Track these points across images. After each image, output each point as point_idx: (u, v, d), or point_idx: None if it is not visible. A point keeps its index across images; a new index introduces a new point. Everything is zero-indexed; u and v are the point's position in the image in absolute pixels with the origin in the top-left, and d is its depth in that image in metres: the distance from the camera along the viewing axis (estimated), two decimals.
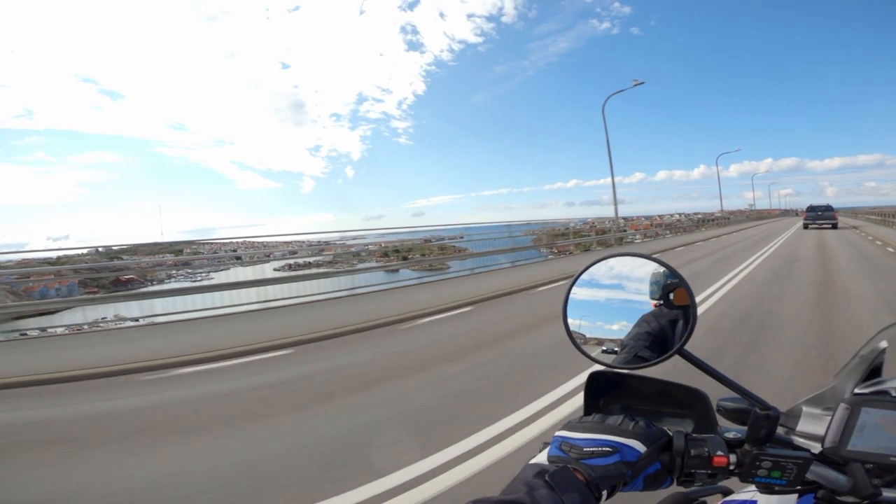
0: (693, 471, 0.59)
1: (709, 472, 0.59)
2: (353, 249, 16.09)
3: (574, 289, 0.66)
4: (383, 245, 17.52)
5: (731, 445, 0.62)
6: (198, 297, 9.14)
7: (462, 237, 16.82)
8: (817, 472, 0.61)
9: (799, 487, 0.63)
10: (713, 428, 0.64)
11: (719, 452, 0.59)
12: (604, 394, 0.69)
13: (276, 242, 20.30)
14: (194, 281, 12.16)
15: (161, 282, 12.89)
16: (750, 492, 0.70)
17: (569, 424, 0.60)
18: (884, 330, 0.91)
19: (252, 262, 17.08)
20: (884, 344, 0.84)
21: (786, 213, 72.55)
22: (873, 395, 0.69)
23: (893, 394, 0.71)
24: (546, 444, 0.59)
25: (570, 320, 0.65)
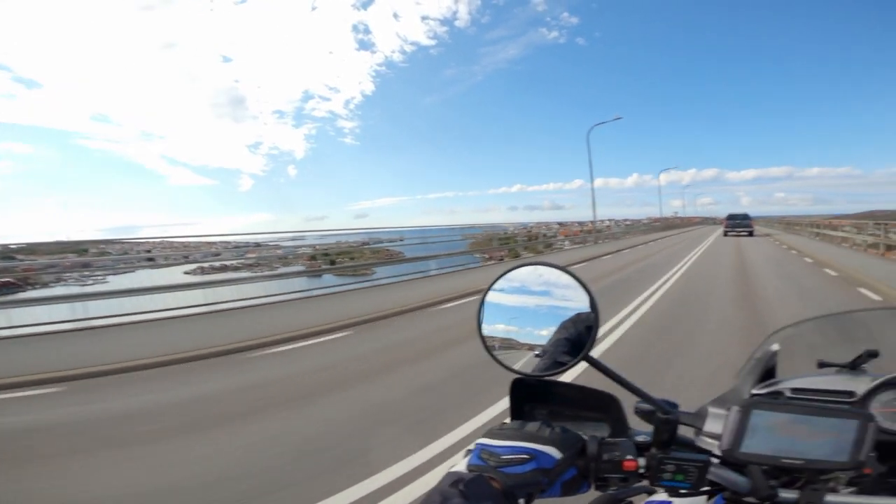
0: (606, 475, 0.60)
1: (621, 475, 0.60)
2: (279, 252, 14.95)
3: (490, 296, 0.65)
4: (317, 248, 16.46)
5: (641, 449, 0.61)
6: (79, 305, 7.79)
7: (402, 240, 16.27)
8: (719, 473, 0.62)
9: (708, 488, 0.64)
10: (625, 432, 0.64)
11: (629, 456, 0.59)
12: (529, 400, 0.68)
13: (198, 243, 18.54)
14: (83, 286, 10.56)
15: (45, 286, 11.13)
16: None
17: (490, 431, 0.59)
18: (775, 333, 0.99)
19: (166, 265, 15.38)
20: (775, 346, 0.94)
21: (705, 220, 77.18)
22: (768, 395, 0.82)
23: (787, 394, 0.82)
24: (469, 452, 0.58)
25: (486, 328, 0.64)
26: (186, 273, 12.72)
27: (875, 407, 0.78)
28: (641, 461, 0.60)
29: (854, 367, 0.90)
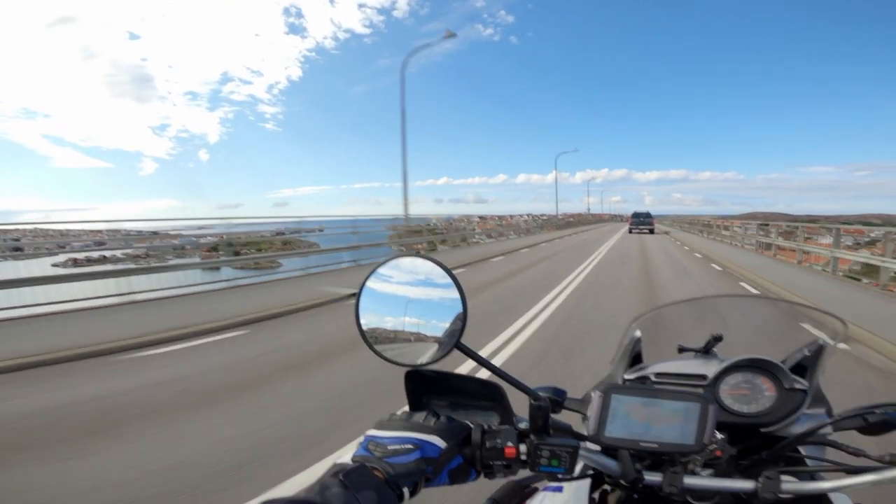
0: (491, 462, 0.61)
1: (504, 462, 0.60)
2: (176, 241, 13.43)
3: (367, 290, 0.63)
4: (224, 237, 15.04)
5: (523, 436, 0.62)
6: None
7: (322, 230, 15.44)
8: (593, 458, 0.64)
9: (591, 473, 0.70)
10: (510, 419, 0.64)
11: (509, 443, 0.60)
12: (426, 391, 0.68)
13: (79, 231, 16.17)
14: None
15: None
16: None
17: (378, 423, 0.59)
18: (635, 320, 1.03)
19: (36, 255, 13.22)
20: (638, 333, 0.99)
21: (614, 217, 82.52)
22: (637, 380, 0.87)
23: (652, 378, 0.86)
24: (359, 444, 0.58)
25: (364, 320, 0.62)
26: (55, 265, 10.96)
27: (723, 389, 0.81)
28: (523, 448, 0.61)
29: (707, 351, 0.93)
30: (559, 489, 0.76)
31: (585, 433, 0.64)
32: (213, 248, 13.44)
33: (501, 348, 4.87)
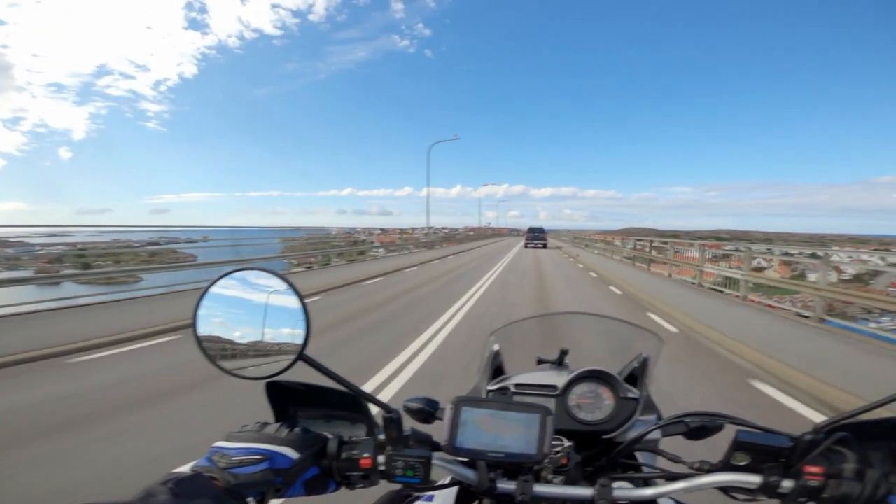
0: (348, 473, 0.61)
1: (361, 473, 0.61)
2: (9, 251, 10.97)
3: (207, 302, 0.61)
4: (78, 246, 12.63)
5: (383, 447, 0.63)
6: None
7: (206, 240, 13.74)
8: (450, 468, 0.65)
9: (450, 482, 0.70)
10: (372, 430, 0.65)
11: (366, 455, 0.61)
12: (292, 403, 0.68)
13: None
14: None
15: None
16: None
17: (228, 435, 0.58)
18: (493, 334, 1.10)
19: None
20: (496, 346, 1.05)
21: (512, 231, 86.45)
22: (499, 390, 0.89)
23: (513, 389, 0.89)
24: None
25: (206, 332, 0.60)
26: None
27: (571, 399, 0.85)
28: (381, 459, 0.61)
29: (560, 363, 1.01)
30: (431, 497, 0.78)
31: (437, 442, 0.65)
32: (56, 260, 11.19)
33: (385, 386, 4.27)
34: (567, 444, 0.71)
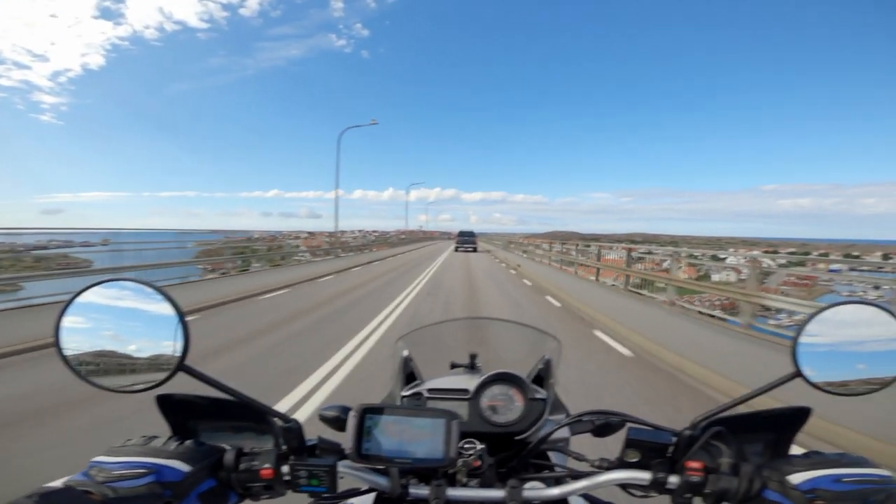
0: (249, 485, 0.60)
1: (263, 484, 0.61)
2: None
3: (72, 315, 0.58)
4: None
5: (286, 457, 0.62)
6: None
7: (107, 243, 12.23)
8: (360, 475, 0.65)
9: (365, 489, 0.71)
10: (277, 441, 0.64)
11: (267, 465, 0.60)
12: (191, 416, 0.66)
13: None
14: None
15: None
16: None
17: (109, 449, 0.57)
18: (400, 339, 1.12)
19: None
20: (406, 352, 1.05)
21: (442, 235, 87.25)
22: (413, 396, 0.90)
23: (426, 394, 0.90)
24: None
25: (73, 346, 0.57)
26: None
27: (483, 401, 0.86)
28: (285, 469, 0.61)
29: (472, 367, 1.05)
30: None
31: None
32: None
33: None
34: (480, 446, 0.72)
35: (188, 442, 0.59)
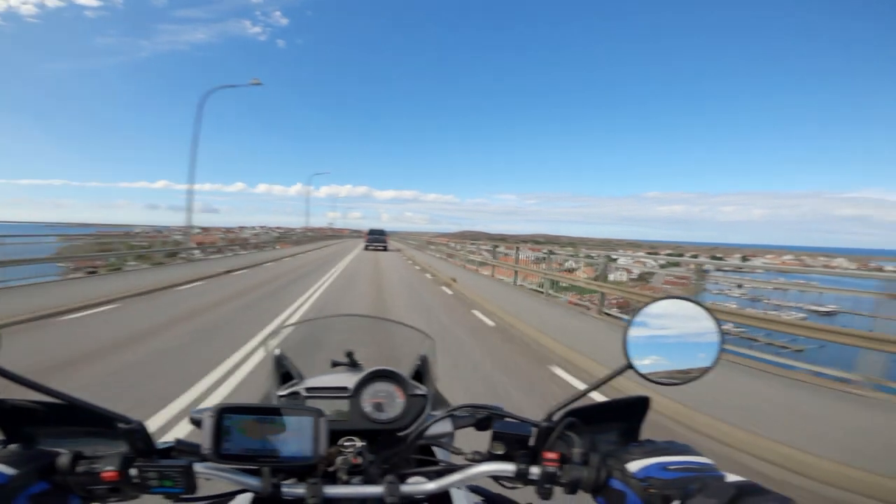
0: (90, 487, 0.60)
1: (108, 486, 0.60)
2: None
3: None
4: None
5: (135, 460, 0.61)
6: None
7: None
8: (226, 476, 0.64)
9: (240, 490, 0.70)
10: (134, 445, 0.63)
11: (109, 468, 0.59)
12: (29, 422, 0.64)
13: None
14: None
15: None
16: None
17: None
18: (270, 337, 1.10)
19: None
20: (277, 351, 1.03)
21: (353, 233, 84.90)
22: (290, 395, 0.89)
23: (304, 393, 0.88)
24: None
25: None
26: None
27: (364, 399, 0.86)
28: (133, 472, 0.60)
29: (354, 364, 1.04)
30: None
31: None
32: None
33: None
34: (360, 443, 0.73)
35: (13, 446, 0.59)
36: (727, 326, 8.60)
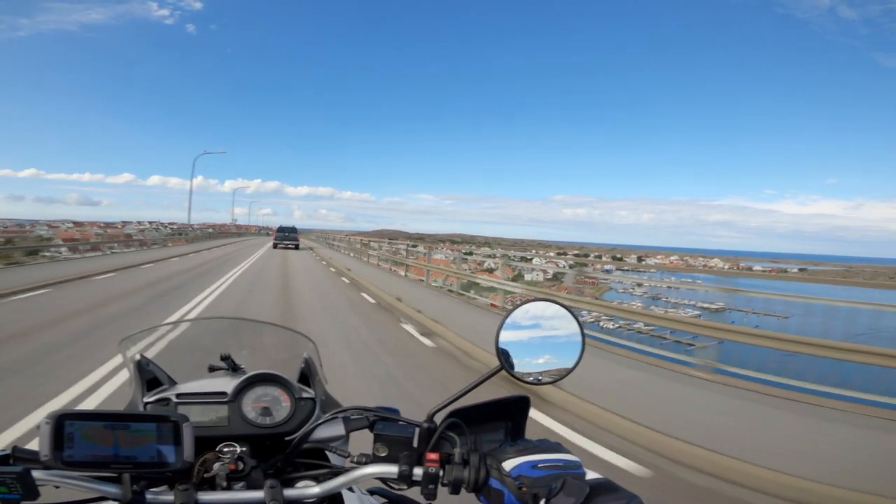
0: None
1: None
2: None
3: None
4: None
5: None
6: None
7: None
8: (76, 483, 0.62)
9: (98, 497, 0.65)
10: None
11: None
12: None
13: None
14: None
15: None
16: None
17: None
18: (124, 341, 1.01)
19: None
20: (137, 356, 0.95)
21: (261, 230, 79.77)
22: (158, 402, 0.84)
23: (174, 399, 0.84)
24: None
25: None
26: None
27: (246, 403, 0.83)
28: None
29: (234, 369, 0.95)
30: None
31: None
32: None
33: None
34: (240, 449, 0.71)
35: None
36: (638, 325, 9.15)
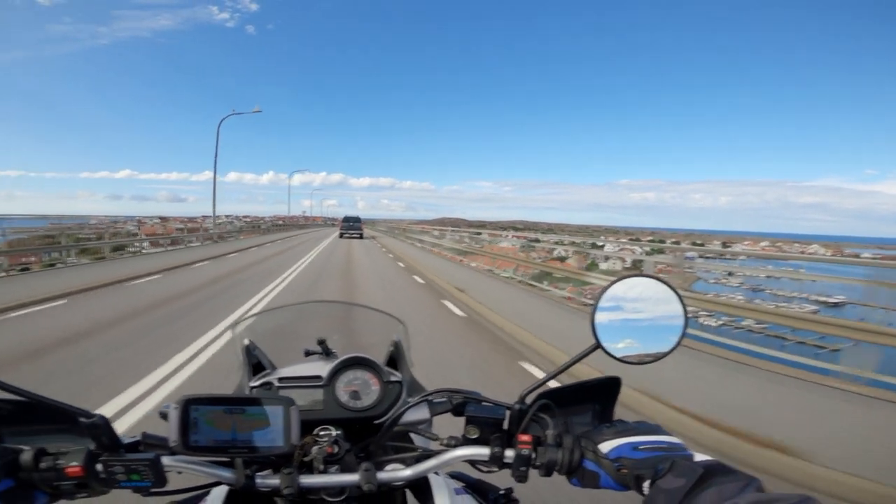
0: (56, 483, 0.59)
1: (74, 482, 0.59)
2: None
3: None
4: None
5: (100, 454, 0.61)
6: None
7: None
8: (198, 468, 0.63)
9: (214, 482, 0.69)
10: (100, 440, 0.63)
11: (73, 463, 0.58)
12: None
13: None
14: None
15: None
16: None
17: None
18: (234, 326, 1.08)
19: None
20: (246, 341, 0.99)
21: (327, 221, 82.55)
22: (262, 386, 0.86)
23: (276, 383, 0.85)
24: None
25: None
26: None
27: (339, 387, 0.84)
28: (99, 467, 0.59)
29: (327, 353, 0.99)
30: (200, 498, 0.75)
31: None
32: None
33: None
34: (335, 432, 0.72)
35: None
36: (747, 322, 8.03)
